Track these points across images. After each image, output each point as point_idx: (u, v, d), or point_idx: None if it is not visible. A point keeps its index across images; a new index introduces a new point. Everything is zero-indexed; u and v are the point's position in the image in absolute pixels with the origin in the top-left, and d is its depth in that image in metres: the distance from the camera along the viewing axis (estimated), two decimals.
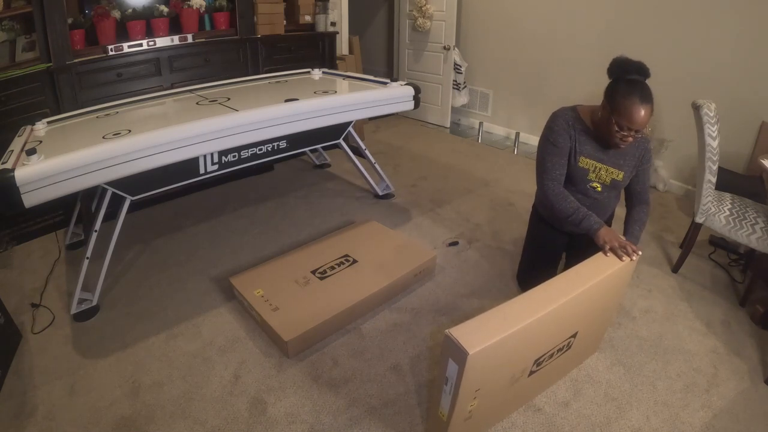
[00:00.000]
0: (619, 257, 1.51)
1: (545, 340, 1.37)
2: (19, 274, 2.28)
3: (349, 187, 3.25)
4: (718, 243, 2.47)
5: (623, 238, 1.60)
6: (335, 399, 1.59)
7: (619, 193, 1.87)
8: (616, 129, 1.58)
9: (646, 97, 1.52)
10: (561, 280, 1.39)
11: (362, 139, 3.22)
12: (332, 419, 1.52)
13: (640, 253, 1.55)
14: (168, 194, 2.95)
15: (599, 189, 1.78)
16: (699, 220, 2.12)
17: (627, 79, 1.56)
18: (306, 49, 3.69)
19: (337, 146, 2.77)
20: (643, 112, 1.52)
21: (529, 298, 1.30)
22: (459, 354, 1.12)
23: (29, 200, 1.58)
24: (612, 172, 1.74)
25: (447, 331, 1.16)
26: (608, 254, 1.54)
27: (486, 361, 1.17)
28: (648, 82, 1.57)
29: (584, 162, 1.74)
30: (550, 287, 1.35)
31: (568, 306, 1.32)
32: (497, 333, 1.16)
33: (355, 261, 2.17)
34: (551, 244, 1.99)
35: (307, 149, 3.38)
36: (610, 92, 1.59)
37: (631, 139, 1.59)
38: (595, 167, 1.74)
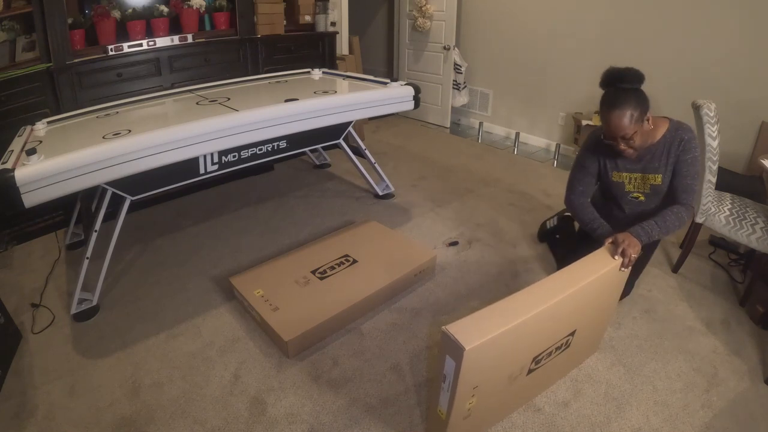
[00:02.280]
0: (612, 254, 1.48)
1: (543, 337, 1.37)
2: (19, 274, 2.28)
3: (349, 187, 3.25)
4: (718, 243, 2.47)
5: (626, 241, 1.49)
6: (335, 399, 1.59)
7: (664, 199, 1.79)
8: (608, 141, 1.59)
9: (613, 102, 1.53)
10: (558, 277, 1.39)
11: (362, 139, 3.22)
12: (332, 419, 1.52)
13: (633, 257, 1.46)
14: (168, 194, 2.95)
15: (642, 198, 1.76)
16: (699, 220, 2.12)
17: (606, 89, 1.58)
18: (306, 49, 3.69)
19: (337, 146, 2.77)
20: (612, 119, 1.53)
21: (527, 295, 1.30)
22: (456, 350, 1.13)
23: (29, 200, 1.58)
24: (649, 178, 1.73)
25: (444, 327, 1.16)
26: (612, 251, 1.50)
27: (483, 357, 1.18)
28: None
29: (618, 176, 1.76)
30: (547, 284, 1.35)
31: (565, 303, 1.32)
32: (494, 329, 1.17)
33: (355, 261, 2.17)
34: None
35: (307, 149, 3.39)
36: None
37: (623, 147, 1.60)
38: (630, 178, 1.75)
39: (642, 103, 1.55)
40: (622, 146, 1.60)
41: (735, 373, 1.71)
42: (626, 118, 1.53)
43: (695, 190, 1.63)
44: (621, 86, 1.55)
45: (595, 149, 1.76)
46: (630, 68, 1.56)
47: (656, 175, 1.71)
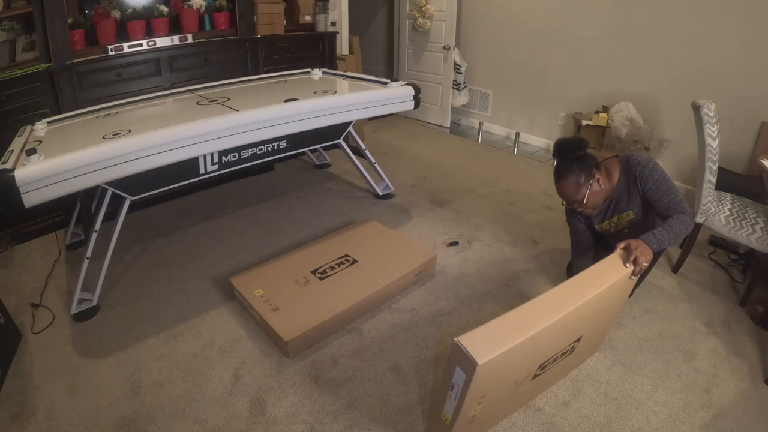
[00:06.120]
0: (624, 261, 1.46)
1: (552, 346, 1.35)
2: (19, 274, 2.28)
3: (349, 187, 3.25)
4: (718, 243, 2.47)
5: (639, 249, 1.46)
6: (335, 399, 1.59)
7: (649, 218, 1.79)
8: (569, 206, 1.76)
9: (557, 174, 1.68)
10: (570, 285, 1.36)
11: (362, 139, 3.22)
12: (332, 419, 1.52)
13: (644, 265, 1.44)
14: (168, 194, 2.95)
15: (627, 231, 1.84)
16: (699, 220, 2.12)
17: (556, 161, 1.73)
18: (306, 49, 3.69)
19: (337, 146, 2.77)
20: (559, 189, 1.70)
21: (539, 305, 1.27)
22: (468, 363, 1.10)
23: (29, 200, 1.58)
24: (623, 216, 1.79)
25: (456, 339, 1.13)
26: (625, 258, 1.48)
27: (494, 370, 1.15)
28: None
29: (601, 227, 1.87)
30: (559, 293, 1.32)
31: (576, 312, 1.29)
32: (506, 342, 1.13)
33: (355, 261, 2.17)
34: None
35: (307, 149, 3.39)
36: None
37: (580, 209, 1.72)
38: (610, 223, 1.84)
39: (585, 169, 1.64)
40: (579, 209, 1.72)
41: (735, 373, 1.71)
42: (571, 187, 1.66)
43: (678, 200, 1.63)
44: (565, 157, 1.66)
45: (572, 213, 1.90)
46: (573, 139, 1.68)
47: (628, 212, 1.78)
